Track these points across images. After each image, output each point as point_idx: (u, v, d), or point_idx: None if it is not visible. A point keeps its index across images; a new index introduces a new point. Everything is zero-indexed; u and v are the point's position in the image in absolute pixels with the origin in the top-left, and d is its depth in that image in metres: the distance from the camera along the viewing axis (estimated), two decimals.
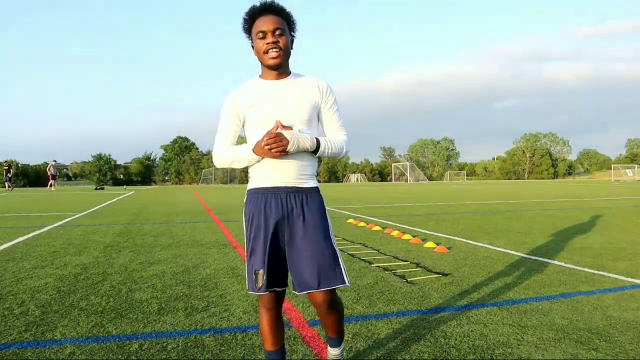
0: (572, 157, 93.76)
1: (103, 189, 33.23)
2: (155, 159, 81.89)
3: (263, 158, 2.00)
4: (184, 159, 76.13)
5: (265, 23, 1.96)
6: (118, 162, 78.02)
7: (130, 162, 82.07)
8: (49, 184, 29.86)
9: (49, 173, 29.82)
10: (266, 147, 1.91)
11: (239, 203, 15.38)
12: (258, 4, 2.00)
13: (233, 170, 64.36)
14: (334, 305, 2.09)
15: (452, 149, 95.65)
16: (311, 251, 1.98)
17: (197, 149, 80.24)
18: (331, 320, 2.15)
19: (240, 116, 2.06)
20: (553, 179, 76.13)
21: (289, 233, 2.01)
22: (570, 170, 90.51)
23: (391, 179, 65.17)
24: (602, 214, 10.30)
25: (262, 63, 2.04)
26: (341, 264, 2.04)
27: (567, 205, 13.12)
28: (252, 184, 2.09)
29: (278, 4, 2.00)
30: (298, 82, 2.07)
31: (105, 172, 70.44)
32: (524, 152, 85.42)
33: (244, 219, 2.10)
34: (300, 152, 2.00)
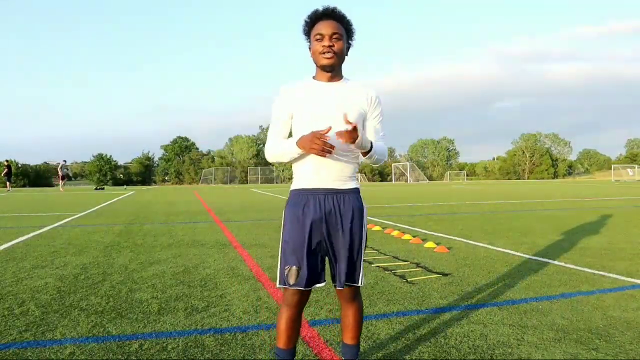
0: (572, 157, 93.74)
1: (103, 189, 33.24)
2: (153, 158, 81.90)
3: (304, 155, 2.07)
4: (184, 159, 76.11)
5: (324, 27, 2.05)
6: (118, 162, 78.03)
7: (130, 162, 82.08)
8: (61, 184, 30.24)
9: (59, 173, 30.16)
10: (313, 147, 1.94)
11: (239, 203, 15.38)
12: (320, 8, 2.09)
13: (233, 170, 64.50)
14: (357, 297, 2.19)
15: (452, 149, 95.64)
16: (344, 251, 2.08)
17: (197, 149, 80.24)
18: (353, 314, 2.19)
19: (290, 113, 2.13)
20: (553, 179, 76.13)
21: (326, 233, 2.08)
22: (570, 170, 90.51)
23: (391, 179, 65.17)
24: (602, 214, 10.30)
25: (316, 64, 2.11)
26: (362, 265, 2.14)
27: (567, 205, 13.12)
28: (294, 185, 2.17)
29: (339, 11, 2.10)
30: (349, 86, 2.14)
31: (105, 172, 70.46)
32: (524, 152, 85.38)
33: (283, 217, 2.16)
34: (339, 154, 2.06)
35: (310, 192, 2.08)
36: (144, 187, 42.79)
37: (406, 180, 58.61)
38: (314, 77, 2.15)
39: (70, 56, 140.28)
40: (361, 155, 2.12)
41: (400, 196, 19.59)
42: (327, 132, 1.95)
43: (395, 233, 7.02)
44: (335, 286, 2.13)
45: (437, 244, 6.03)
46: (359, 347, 2.25)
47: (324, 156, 1.98)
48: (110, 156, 75.44)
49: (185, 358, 2.54)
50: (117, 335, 2.86)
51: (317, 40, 2.06)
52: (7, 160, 29.93)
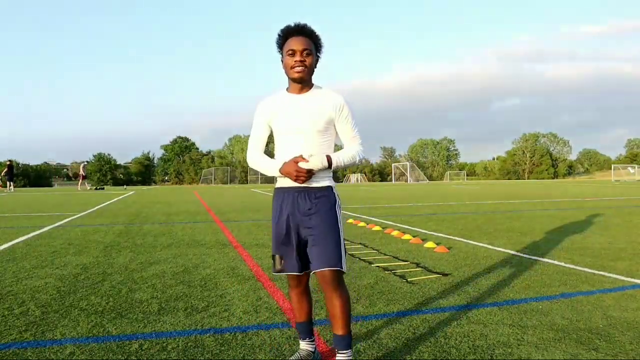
0: (572, 157, 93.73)
1: (103, 189, 33.25)
2: (153, 158, 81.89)
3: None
4: (184, 159, 76.09)
5: (296, 43, 2.24)
6: (118, 162, 78.02)
7: (130, 162, 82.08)
8: (79, 183, 31.37)
9: (82, 173, 31.58)
10: (299, 180, 2.25)
11: (239, 203, 15.38)
12: (292, 24, 2.28)
13: (233, 170, 64.51)
14: (339, 286, 2.27)
15: (452, 149, 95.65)
16: (317, 239, 2.26)
17: (197, 149, 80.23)
18: (338, 305, 2.26)
19: (267, 124, 2.41)
20: (553, 179, 76.11)
21: (301, 224, 2.30)
22: (570, 170, 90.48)
23: (391, 179, 65.16)
24: (602, 214, 10.30)
25: (288, 76, 2.32)
26: (342, 250, 2.29)
27: (567, 205, 13.12)
28: (277, 184, 2.44)
29: (309, 28, 2.30)
30: (317, 96, 2.34)
31: (105, 172, 70.45)
32: (524, 152, 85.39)
33: (272, 209, 2.45)
34: (308, 157, 2.31)
35: (287, 190, 2.34)
36: (144, 187, 42.79)
37: (406, 180, 58.60)
38: (287, 89, 2.38)
39: (70, 56, 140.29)
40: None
41: (400, 196, 19.59)
42: (299, 160, 2.24)
43: (395, 233, 7.02)
44: (312, 273, 2.30)
45: (437, 244, 6.03)
46: (350, 336, 2.31)
47: (299, 182, 2.26)
48: (110, 156, 75.45)
49: (185, 358, 2.54)
50: (117, 335, 2.86)
51: (289, 55, 2.25)
52: (9, 160, 29.95)
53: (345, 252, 2.32)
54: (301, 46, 2.23)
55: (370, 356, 2.56)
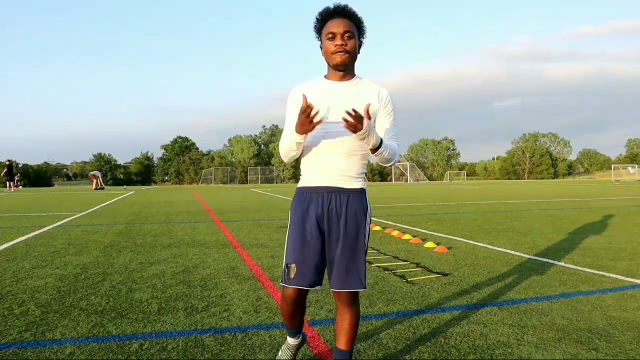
0: (572, 157, 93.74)
1: (103, 188, 33.27)
2: (153, 158, 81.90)
3: (310, 149, 2.06)
4: (184, 159, 76.10)
5: (336, 25, 2.02)
6: (118, 162, 78.06)
7: (130, 162, 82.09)
8: (94, 183, 31.75)
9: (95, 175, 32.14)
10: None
11: (239, 203, 15.38)
12: (331, 6, 2.07)
13: (233, 170, 64.48)
14: (355, 301, 2.15)
15: (453, 149, 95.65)
16: (344, 252, 2.05)
17: (197, 149, 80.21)
18: (349, 319, 2.14)
19: None
20: (553, 179, 76.12)
21: (328, 233, 2.07)
22: (570, 170, 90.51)
23: (391, 179, 65.16)
24: (602, 214, 10.30)
25: (328, 63, 2.10)
26: (364, 269, 2.10)
27: (567, 205, 13.12)
28: (300, 183, 2.18)
29: (350, 8, 2.06)
30: (360, 85, 2.12)
31: (105, 172, 70.48)
32: (523, 152, 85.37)
33: (289, 215, 2.18)
34: (346, 153, 2.06)
35: (314, 191, 2.09)
36: (144, 187, 42.78)
37: (406, 180, 58.61)
38: (325, 77, 2.14)
39: (70, 56, 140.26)
40: (370, 152, 2.06)
41: (400, 196, 19.59)
42: (308, 104, 1.91)
43: (395, 233, 7.02)
44: (331, 288, 2.09)
45: (437, 244, 6.03)
46: (352, 354, 2.19)
47: (313, 127, 1.93)
48: (110, 156, 75.49)
49: (185, 358, 2.54)
50: (117, 335, 2.86)
51: (329, 39, 2.04)
52: (8, 160, 29.96)
53: (365, 269, 2.12)
54: (342, 28, 2.00)
55: (370, 356, 2.56)
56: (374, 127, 2.04)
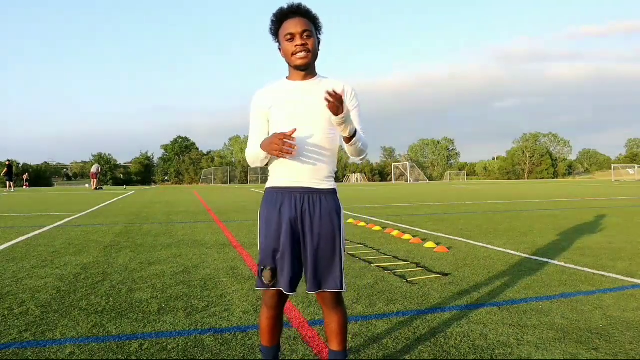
0: (572, 157, 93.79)
1: (102, 188, 33.27)
2: (153, 158, 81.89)
3: (270, 156, 2.02)
4: (184, 159, 76.06)
5: (293, 25, 1.99)
6: (118, 162, 78.04)
7: (130, 162, 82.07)
8: (93, 183, 31.55)
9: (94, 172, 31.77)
10: (276, 153, 1.89)
11: (239, 203, 15.38)
12: (285, 6, 2.02)
13: (233, 170, 64.48)
14: (340, 304, 2.11)
15: (452, 149, 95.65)
16: (320, 253, 2.01)
17: (197, 149, 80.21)
18: (336, 322, 2.11)
19: (266, 116, 2.09)
20: (553, 178, 76.12)
21: (302, 234, 2.02)
22: (570, 170, 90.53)
23: (391, 179, 65.15)
24: (602, 214, 10.30)
25: (289, 64, 2.06)
26: (342, 269, 2.05)
27: (567, 205, 13.12)
28: (269, 183, 2.12)
29: (305, 7, 2.03)
30: (324, 83, 2.08)
31: (105, 171, 70.47)
32: (524, 152, 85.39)
33: (259, 217, 2.13)
34: (315, 153, 2.02)
35: (286, 191, 2.04)
36: (144, 187, 42.76)
37: (406, 180, 58.60)
38: (287, 78, 2.11)
39: (70, 56, 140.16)
40: (344, 142, 2.03)
41: (400, 196, 19.59)
42: (291, 134, 1.89)
43: (395, 233, 7.02)
44: (307, 290, 2.05)
45: (437, 244, 6.03)
46: (346, 352, 2.17)
47: (283, 157, 1.92)
48: (110, 156, 75.47)
49: (185, 358, 2.54)
50: (117, 335, 2.86)
51: (288, 40, 2.00)
52: (8, 160, 29.96)
53: (344, 269, 2.08)
54: (300, 28, 1.97)
55: (370, 356, 2.56)
56: (330, 126, 2.02)
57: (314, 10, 2.07)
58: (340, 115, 1.87)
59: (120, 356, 2.56)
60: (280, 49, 2.07)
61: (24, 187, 37.58)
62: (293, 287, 2.02)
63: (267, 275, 2.00)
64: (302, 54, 1.98)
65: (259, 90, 2.12)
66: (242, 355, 2.57)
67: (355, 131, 1.99)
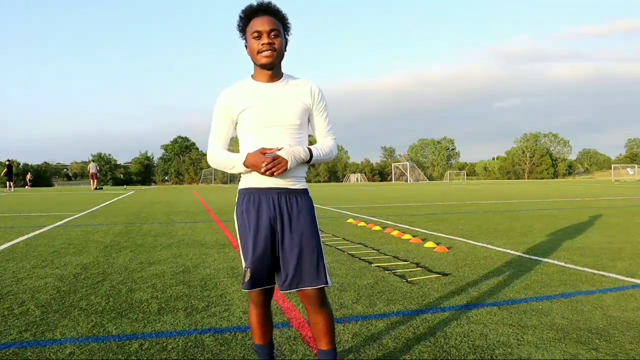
0: (572, 157, 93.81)
1: (102, 188, 33.26)
2: (153, 158, 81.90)
3: (252, 171, 2.03)
4: (184, 159, 76.07)
5: (261, 23, 1.97)
6: (118, 162, 78.04)
7: (130, 162, 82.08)
8: (92, 183, 31.30)
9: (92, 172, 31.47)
10: (267, 173, 1.94)
11: None
12: (255, 3, 2.01)
13: None
14: (324, 303, 2.10)
15: (452, 149, 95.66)
16: (297, 251, 2.02)
17: (197, 149, 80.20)
18: (322, 322, 2.09)
19: (233, 117, 2.07)
20: (553, 178, 76.11)
21: (280, 233, 2.03)
22: (570, 170, 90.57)
23: (391, 178, 65.16)
24: (602, 214, 10.30)
25: (255, 63, 2.05)
26: (325, 264, 2.07)
27: (567, 205, 13.12)
28: (243, 184, 2.11)
29: (275, 5, 2.02)
30: (290, 85, 2.09)
31: (105, 172, 70.46)
32: (524, 152, 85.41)
33: (235, 218, 2.13)
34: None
35: (263, 192, 2.04)
36: (144, 187, 42.76)
37: (406, 180, 58.61)
38: (252, 77, 2.09)
39: (70, 56, 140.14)
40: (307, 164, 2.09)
41: (400, 196, 19.59)
42: (272, 152, 1.95)
43: (395, 233, 7.02)
44: (281, 289, 2.06)
45: (437, 243, 6.03)
46: (336, 351, 2.15)
47: (270, 176, 1.96)
48: (110, 156, 75.47)
49: (185, 358, 2.54)
50: (117, 335, 2.86)
51: (254, 38, 1.99)
52: (8, 160, 29.96)
53: (326, 264, 2.08)
54: (268, 26, 1.96)
55: (370, 356, 2.56)
56: (298, 129, 2.06)
57: (315, 10, 2.11)
58: (290, 166, 1.96)
59: (120, 356, 2.56)
60: (246, 46, 2.06)
61: (27, 187, 37.76)
62: (271, 282, 2.07)
63: (247, 275, 2.02)
64: (268, 53, 1.97)
65: (225, 89, 2.10)
66: (242, 355, 2.57)
67: (311, 155, 2.04)
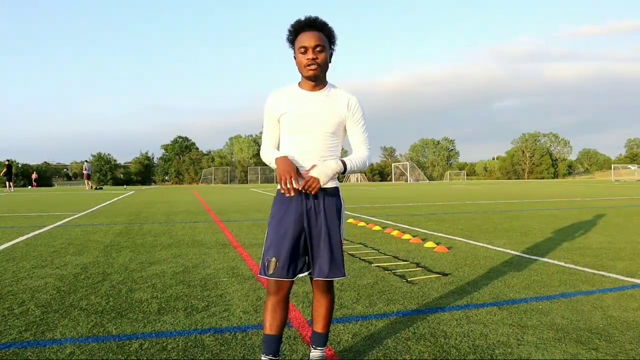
0: (572, 157, 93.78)
1: (102, 188, 33.26)
2: (153, 158, 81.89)
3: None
4: (184, 159, 76.07)
5: (307, 39, 2.13)
6: (118, 162, 78.03)
7: (130, 162, 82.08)
8: (86, 183, 31.31)
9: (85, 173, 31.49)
10: (309, 190, 2.10)
11: (239, 203, 15.38)
12: (303, 18, 2.18)
13: (233, 170, 64.50)
14: (331, 289, 2.35)
15: (452, 149, 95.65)
16: (325, 245, 2.19)
17: (197, 148, 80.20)
18: (325, 305, 2.34)
19: (277, 118, 2.27)
20: (553, 178, 76.12)
21: (307, 228, 2.20)
22: (570, 170, 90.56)
23: (391, 178, 65.17)
24: (602, 214, 10.30)
25: (301, 74, 2.21)
26: (343, 259, 2.27)
27: (567, 205, 13.12)
28: None
29: (321, 20, 2.17)
30: (330, 95, 2.25)
31: (105, 171, 70.44)
32: (524, 152, 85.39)
33: (271, 211, 2.29)
34: (320, 157, 2.20)
35: (295, 190, 2.17)
36: (144, 187, 42.77)
37: (406, 180, 58.61)
38: (299, 84, 2.26)
39: (70, 56, 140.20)
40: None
41: (400, 196, 19.59)
42: (297, 177, 2.10)
43: (395, 233, 7.02)
44: (311, 278, 2.26)
45: (437, 243, 6.03)
46: (327, 335, 2.41)
47: (285, 193, 2.09)
48: (110, 156, 75.43)
49: (185, 358, 2.54)
50: (117, 335, 2.86)
51: (301, 52, 2.14)
52: (7, 160, 29.94)
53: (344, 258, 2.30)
54: (313, 42, 2.12)
55: (370, 356, 2.56)
56: (332, 136, 2.22)
57: (315, 10, 2.15)
58: (322, 184, 2.12)
59: (120, 356, 2.56)
60: (294, 57, 2.21)
61: (33, 186, 37.79)
62: (295, 274, 2.20)
63: (271, 265, 2.16)
64: (312, 67, 2.13)
65: (273, 93, 2.29)
66: (242, 355, 2.57)
67: (345, 167, 2.20)
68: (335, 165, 2.16)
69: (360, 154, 2.29)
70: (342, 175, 2.34)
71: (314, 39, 2.12)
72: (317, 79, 2.18)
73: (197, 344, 2.72)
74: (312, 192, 2.10)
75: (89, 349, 2.65)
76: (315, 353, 2.38)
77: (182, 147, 79.84)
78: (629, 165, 58.92)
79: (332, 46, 2.22)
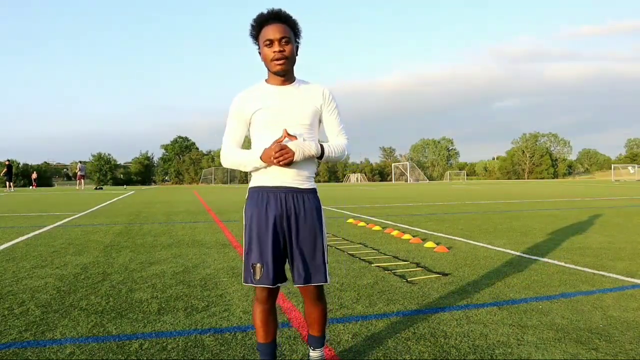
0: (572, 157, 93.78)
1: (102, 189, 33.27)
2: (153, 158, 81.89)
3: (269, 166, 2.10)
4: (184, 159, 76.06)
5: (272, 31, 2.05)
6: (118, 162, 78.02)
7: (130, 162, 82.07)
8: (78, 183, 31.47)
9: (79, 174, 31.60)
10: (274, 160, 2.01)
11: (239, 203, 15.38)
12: (265, 11, 2.09)
13: (233, 170, 64.40)
14: (321, 297, 2.26)
15: (452, 149, 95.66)
16: (305, 249, 2.13)
17: (197, 149, 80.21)
18: (317, 313, 2.27)
19: (246, 118, 2.16)
20: (553, 178, 76.12)
21: (287, 231, 2.12)
22: (570, 170, 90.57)
23: (391, 178, 65.16)
24: (602, 214, 10.30)
25: (268, 69, 2.14)
26: (326, 263, 2.18)
27: (567, 205, 13.12)
28: (253, 183, 2.20)
29: (285, 12, 2.09)
30: (302, 88, 2.18)
31: (105, 171, 70.44)
32: (523, 152, 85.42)
33: (244, 215, 2.19)
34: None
35: (271, 190, 2.12)
36: (144, 187, 42.75)
37: (406, 180, 58.61)
38: (266, 81, 2.18)
39: (70, 57, 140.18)
40: (318, 160, 2.19)
41: (400, 196, 19.59)
42: (283, 139, 2.02)
43: (395, 233, 7.02)
44: (294, 284, 2.17)
45: (437, 243, 6.03)
46: (324, 336, 2.36)
47: (287, 167, 2.05)
48: (110, 156, 75.42)
49: (185, 358, 2.54)
50: (117, 335, 2.86)
51: (266, 46, 2.07)
52: (8, 160, 29.94)
53: (327, 263, 2.20)
54: (279, 34, 2.03)
55: (370, 356, 2.56)
56: (309, 129, 2.14)
57: (315, 10, 2.14)
58: (296, 158, 2.03)
59: (120, 356, 2.56)
60: (259, 53, 2.13)
61: (33, 187, 37.85)
62: (280, 280, 2.13)
63: (257, 272, 2.08)
64: (280, 61, 2.06)
65: (240, 93, 2.19)
66: (242, 355, 2.57)
67: (323, 151, 2.13)
68: (313, 146, 2.09)
69: (338, 142, 2.22)
70: (318, 163, 2.24)
71: (280, 31, 2.04)
72: (286, 73, 2.10)
73: (197, 344, 2.72)
74: (281, 164, 2.01)
75: (89, 349, 2.65)
76: (314, 354, 2.36)
77: (182, 147, 79.86)
78: (628, 167, 58.91)
79: (297, 39, 2.14)
